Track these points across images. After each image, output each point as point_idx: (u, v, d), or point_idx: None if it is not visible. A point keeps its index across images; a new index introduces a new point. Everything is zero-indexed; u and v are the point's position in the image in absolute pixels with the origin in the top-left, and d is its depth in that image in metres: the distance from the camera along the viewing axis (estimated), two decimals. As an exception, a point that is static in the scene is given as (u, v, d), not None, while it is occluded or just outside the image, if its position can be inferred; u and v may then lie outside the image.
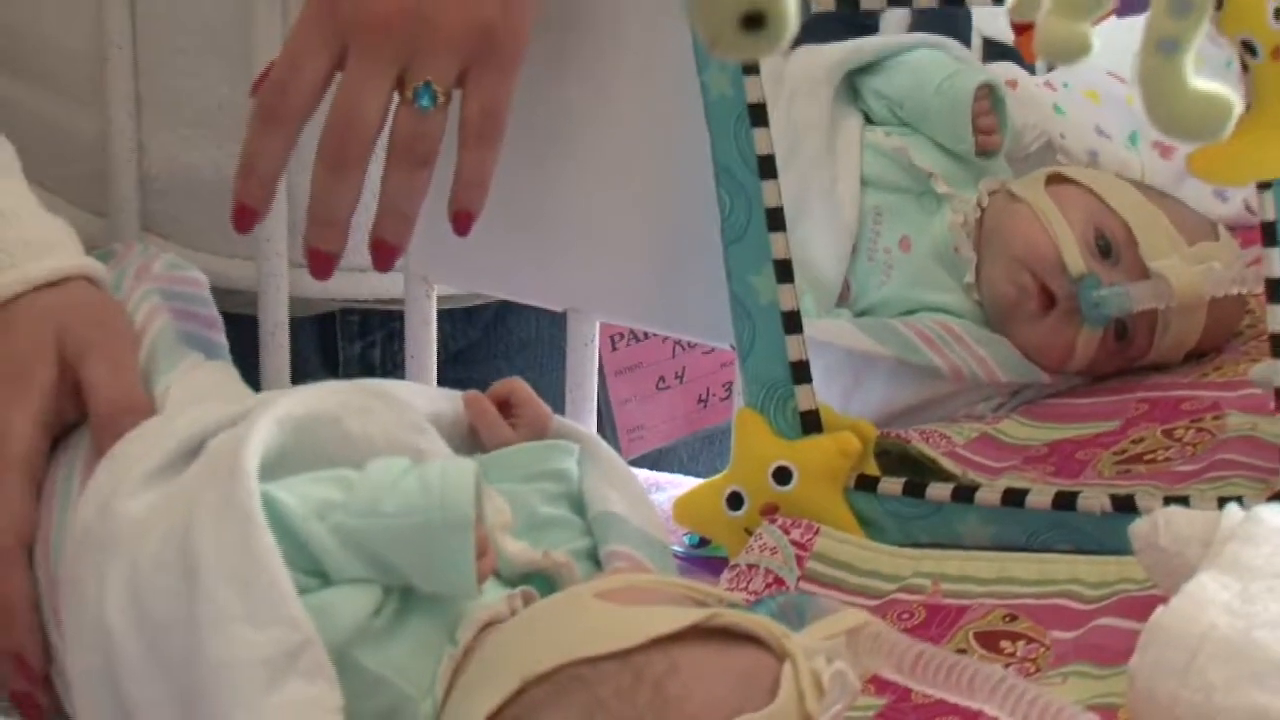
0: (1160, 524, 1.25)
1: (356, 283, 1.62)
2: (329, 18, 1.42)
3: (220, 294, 1.51)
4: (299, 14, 1.43)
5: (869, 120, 1.48)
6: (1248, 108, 1.10)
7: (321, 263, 1.45)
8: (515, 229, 1.56)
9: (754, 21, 1.05)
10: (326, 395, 1.34)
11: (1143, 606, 1.22)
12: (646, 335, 1.67)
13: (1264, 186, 1.32)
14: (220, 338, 1.50)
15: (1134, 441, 1.42)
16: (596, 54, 1.53)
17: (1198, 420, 1.41)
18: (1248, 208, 1.38)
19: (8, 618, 1.36)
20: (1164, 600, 1.16)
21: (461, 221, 1.45)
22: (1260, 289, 1.34)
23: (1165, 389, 1.43)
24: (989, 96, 1.45)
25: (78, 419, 1.41)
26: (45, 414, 1.40)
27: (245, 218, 1.45)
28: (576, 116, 1.55)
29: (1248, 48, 1.18)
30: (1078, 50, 1.09)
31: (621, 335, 1.67)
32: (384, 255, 1.45)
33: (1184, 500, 1.35)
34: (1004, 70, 1.45)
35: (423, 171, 1.43)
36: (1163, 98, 1.04)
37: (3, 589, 1.36)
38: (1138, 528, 1.26)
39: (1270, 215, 1.32)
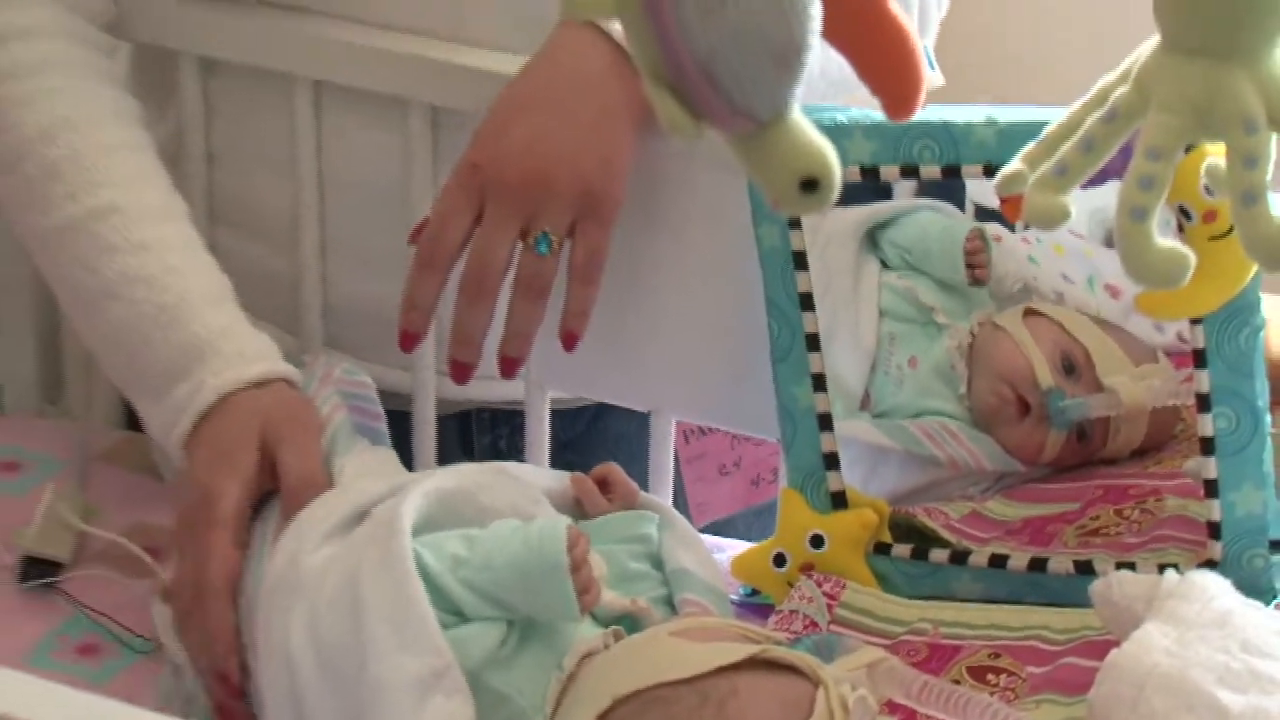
0: (1114, 584, 1.26)
1: (488, 388, 1.58)
2: (471, 184, 1.42)
3: (384, 395, 1.52)
4: (446, 180, 1.44)
5: (885, 265, 1.46)
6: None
7: (461, 372, 1.44)
8: (609, 346, 1.53)
9: (810, 185, 1.04)
10: (464, 474, 1.37)
11: (1100, 649, 1.23)
12: (711, 430, 1.65)
13: (1195, 322, 1.31)
14: (383, 428, 1.50)
15: (1092, 519, 1.40)
16: (674, 208, 1.52)
17: (1142, 503, 1.39)
18: (1180, 337, 1.36)
19: (215, 644, 1.35)
20: (1117, 644, 1.18)
21: (569, 341, 1.44)
22: (1191, 401, 1.34)
23: (1116, 478, 1.41)
24: (979, 237, 1.43)
25: (273, 489, 1.41)
26: (249, 485, 1.41)
27: (408, 341, 1.46)
28: (657, 256, 1.53)
29: (1183, 213, 1.19)
30: (1059, 219, 1.08)
31: (693, 430, 1.66)
32: (509, 367, 1.45)
33: (1132, 566, 1.35)
34: (990, 228, 1.43)
35: (540, 303, 1.42)
36: (1135, 254, 1.03)
37: (212, 621, 1.35)
38: (1096, 586, 1.27)
39: (1200, 344, 1.31)
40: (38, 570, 1.54)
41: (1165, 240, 1.01)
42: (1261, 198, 1.03)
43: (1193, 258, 1.02)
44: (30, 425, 1.77)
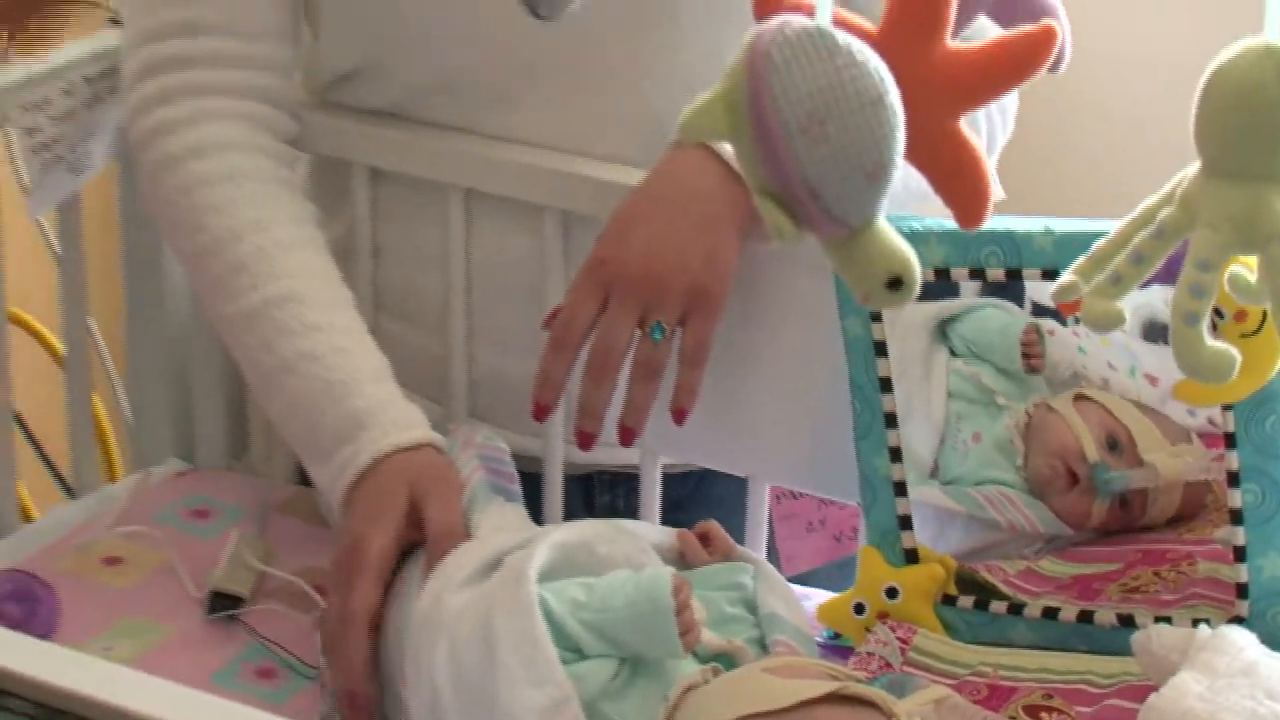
0: (1152, 636, 1.25)
1: (608, 454, 1.57)
2: (597, 279, 1.43)
3: (517, 458, 1.51)
4: (576, 274, 1.45)
5: (953, 353, 1.44)
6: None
7: (585, 440, 1.44)
8: (714, 420, 1.52)
9: (895, 284, 1.04)
10: (584, 529, 1.38)
11: (1141, 693, 1.22)
12: (800, 494, 1.64)
13: (1226, 408, 1.29)
14: (516, 488, 1.49)
15: (1132, 578, 1.38)
16: (771, 301, 1.51)
17: (1177, 565, 1.37)
18: (1210, 421, 1.34)
19: (349, 668, 1.37)
20: (1155, 689, 1.17)
21: (678, 416, 1.43)
22: (1221, 477, 1.32)
23: (1154, 543, 1.38)
24: (1034, 332, 1.41)
25: (419, 540, 1.41)
26: (396, 535, 1.41)
27: (541, 412, 1.46)
28: (756, 343, 1.52)
29: (1217, 312, 1.16)
30: (1116, 323, 1.08)
31: (784, 493, 1.64)
32: (627, 436, 1.44)
33: (1169, 620, 1.32)
34: (1046, 323, 1.41)
35: (654, 383, 1.42)
36: (1190, 354, 1.02)
37: (348, 648, 1.37)
38: (1136, 638, 1.26)
39: (1230, 427, 1.30)
40: (223, 604, 1.54)
41: (1216, 341, 1.01)
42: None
43: (1239, 356, 1.01)
44: (219, 479, 1.77)
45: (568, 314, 1.43)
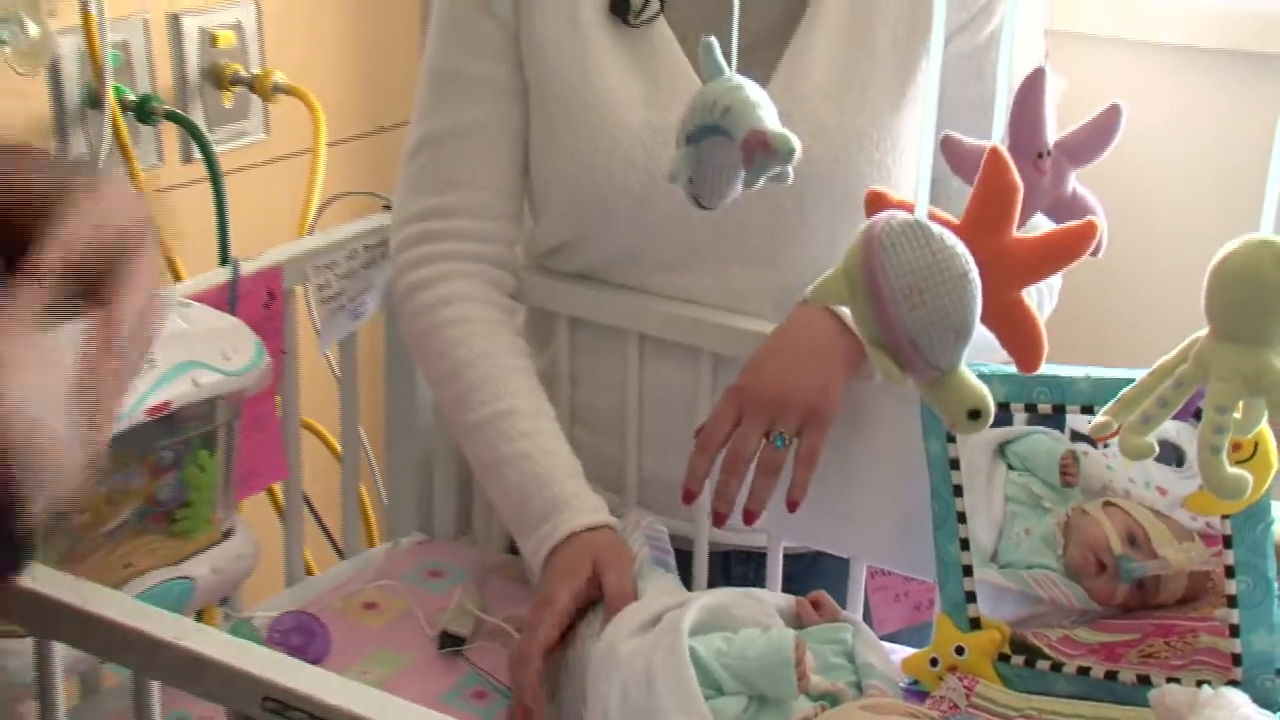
0: (1165, 693, 1.23)
1: (743, 536, 1.58)
2: (736, 401, 1.43)
3: (673, 539, 1.51)
4: (720, 398, 1.46)
5: (1009, 467, 1.39)
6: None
7: (719, 519, 1.43)
8: (823, 513, 1.49)
9: (975, 415, 1.04)
10: (725, 595, 1.38)
11: None
12: (890, 572, 1.60)
13: (1225, 516, 1.27)
14: (672, 562, 1.48)
15: (1148, 646, 1.33)
16: (871, 423, 1.48)
17: (1184, 637, 1.32)
18: (1208, 525, 1.30)
19: (524, 686, 1.36)
20: None
21: (791, 506, 1.42)
22: (1219, 568, 1.29)
23: (1165, 619, 1.33)
24: (1070, 456, 1.36)
25: (598, 599, 1.41)
26: (578, 594, 1.41)
27: (689, 498, 1.45)
28: (857, 455, 1.49)
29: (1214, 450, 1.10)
30: (1147, 454, 1.09)
31: (878, 571, 1.61)
32: (749, 518, 1.43)
33: (1178, 680, 1.28)
34: (1081, 447, 1.36)
35: (773, 479, 1.42)
36: (1215, 477, 1.03)
37: (524, 676, 1.38)
38: (1153, 694, 1.24)
39: (1228, 531, 1.27)
40: (450, 642, 1.54)
41: (1233, 468, 1.00)
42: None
43: (1251, 478, 1.00)
44: (449, 547, 1.77)
45: (711, 426, 1.44)
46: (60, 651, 1.19)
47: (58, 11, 1.86)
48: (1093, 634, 1.34)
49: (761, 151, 1.25)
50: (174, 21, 2.09)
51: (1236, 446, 1.14)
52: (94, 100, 1.97)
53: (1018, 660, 1.36)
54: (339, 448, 1.85)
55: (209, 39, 2.13)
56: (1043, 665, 1.35)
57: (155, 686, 1.14)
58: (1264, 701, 1.25)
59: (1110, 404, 1.10)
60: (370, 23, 2.36)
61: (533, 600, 1.45)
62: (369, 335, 1.80)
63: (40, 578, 1.14)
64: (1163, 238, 1.97)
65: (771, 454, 1.42)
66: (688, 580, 1.54)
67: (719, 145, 1.27)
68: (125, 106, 2.00)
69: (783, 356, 1.43)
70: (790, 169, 1.28)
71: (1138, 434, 1.04)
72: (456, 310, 1.56)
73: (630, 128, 1.50)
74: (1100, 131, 1.23)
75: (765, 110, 1.28)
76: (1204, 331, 1.06)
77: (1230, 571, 1.27)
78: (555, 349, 1.64)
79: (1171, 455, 1.29)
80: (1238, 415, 1.03)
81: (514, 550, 1.62)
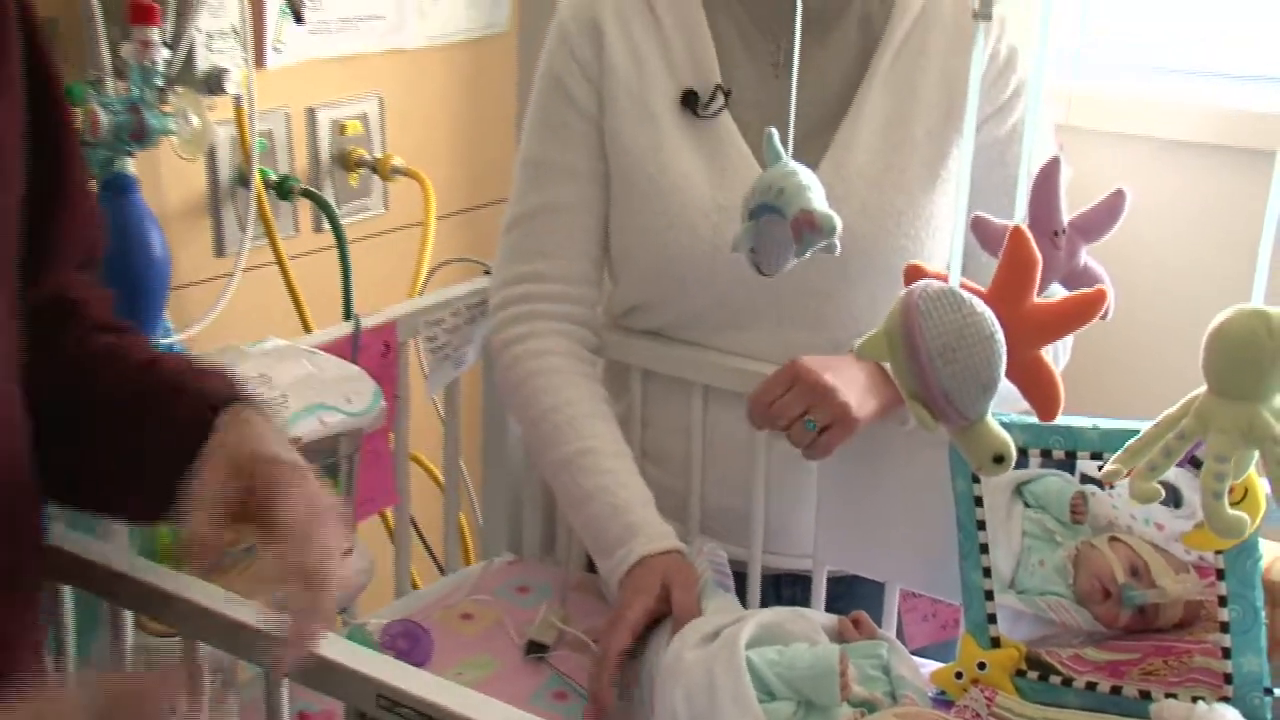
0: (1165, 707, 1.21)
1: (792, 562, 1.57)
2: (790, 375, 1.42)
3: (731, 563, 1.48)
4: (778, 369, 1.45)
5: (1026, 505, 1.36)
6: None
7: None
8: (863, 542, 1.49)
9: (999, 459, 1.03)
10: (777, 613, 1.36)
11: None
12: (920, 595, 1.57)
13: (1219, 552, 1.23)
14: (731, 583, 1.46)
15: (1149, 665, 1.30)
16: (902, 464, 1.46)
17: (1180, 658, 1.28)
18: (1201, 558, 1.26)
19: (600, 684, 1.37)
20: None
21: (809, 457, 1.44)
22: (1212, 597, 1.26)
23: (1163, 641, 1.30)
24: (1080, 497, 1.33)
25: (666, 614, 1.38)
26: (649, 609, 1.39)
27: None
28: (891, 493, 1.47)
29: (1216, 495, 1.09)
30: (1154, 498, 1.07)
31: (910, 594, 1.58)
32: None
33: (1175, 696, 1.25)
34: (1089, 488, 1.33)
35: (798, 448, 1.42)
36: (1217, 519, 1.02)
37: (600, 679, 1.38)
38: (1153, 708, 1.22)
39: (1221, 565, 1.24)
40: (535, 649, 1.52)
41: (1233, 510, 0.97)
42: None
43: (1249, 519, 1.00)
44: (535, 566, 1.75)
45: (764, 387, 1.43)
46: (204, 650, 1.19)
47: (215, 106, 1.88)
48: (1100, 653, 1.31)
49: (809, 229, 1.25)
50: (310, 114, 2.11)
51: (1231, 491, 1.12)
52: (243, 179, 1.99)
53: (1033, 675, 1.33)
54: (442, 478, 1.85)
55: (339, 128, 2.14)
56: (1055, 680, 1.32)
57: (284, 683, 1.13)
58: (1253, 717, 1.22)
59: (1119, 453, 1.09)
60: (473, 115, 2.37)
61: (609, 614, 1.43)
62: (469, 382, 1.79)
63: (191, 587, 1.14)
64: (1161, 306, 1.95)
65: (799, 432, 1.40)
66: (744, 600, 1.52)
67: (775, 222, 1.27)
68: (268, 185, 2.02)
69: (838, 365, 1.41)
70: (837, 242, 1.27)
71: (1146, 480, 1.03)
72: (545, 363, 1.55)
73: (698, 206, 1.49)
74: (1108, 212, 1.23)
75: (814, 192, 1.27)
76: (1202, 389, 1.04)
77: (1223, 601, 1.24)
78: (630, 397, 1.62)
79: (1170, 497, 1.26)
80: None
81: (592, 569, 1.59)
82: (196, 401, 1.10)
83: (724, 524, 1.57)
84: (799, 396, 1.40)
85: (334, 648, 1.09)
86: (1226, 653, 1.25)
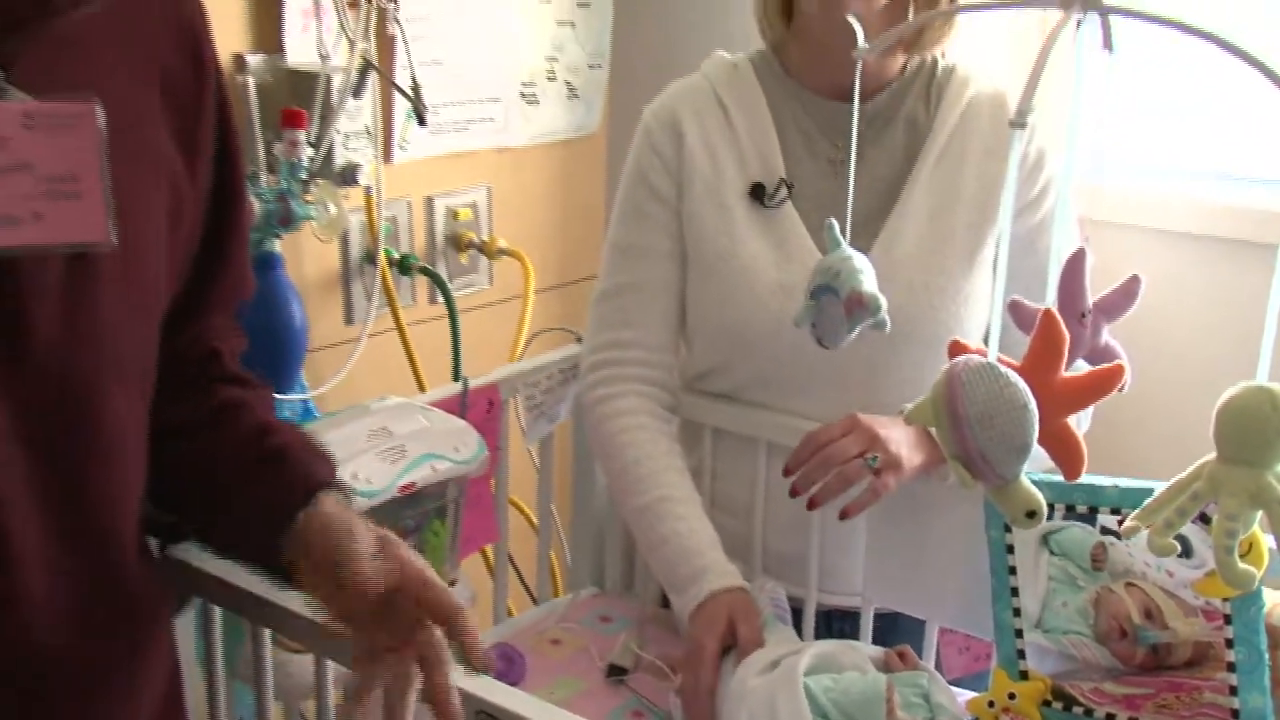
0: None
1: (843, 600, 1.56)
2: (850, 424, 1.40)
3: (789, 600, 1.48)
4: (840, 420, 1.41)
5: (1051, 553, 1.33)
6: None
7: (812, 503, 1.41)
8: (906, 583, 1.46)
9: (1031, 515, 1.01)
10: (830, 645, 1.34)
11: None
12: (956, 631, 1.54)
13: (1226, 600, 1.20)
14: (789, 617, 1.44)
15: (1161, 700, 1.27)
16: (943, 514, 1.43)
17: (1190, 694, 1.25)
18: (1208, 603, 1.23)
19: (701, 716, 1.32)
20: None
21: (843, 516, 1.39)
22: (1219, 639, 1.23)
23: (1175, 678, 1.27)
24: (1100, 548, 1.30)
25: (731, 646, 1.35)
26: (721, 640, 1.36)
27: (812, 505, 1.40)
28: (931, 541, 1.44)
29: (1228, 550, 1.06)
30: (1171, 552, 1.05)
31: (948, 630, 1.54)
32: (811, 506, 1.40)
33: None
34: (1109, 539, 1.30)
35: (845, 486, 1.37)
36: (1228, 571, 1.00)
37: (697, 710, 1.34)
38: None
39: (1228, 611, 1.21)
40: (616, 673, 1.51)
41: (1243, 564, 0.94)
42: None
43: (1257, 572, 0.98)
44: (616, 599, 1.74)
45: (823, 430, 1.40)
46: (330, 665, 1.21)
47: (349, 195, 1.91)
48: (1117, 687, 1.28)
49: (858, 307, 1.25)
50: (429, 202, 2.14)
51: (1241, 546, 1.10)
52: (370, 258, 2.02)
53: (1058, 706, 1.30)
54: (536, 520, 1.86)
55: (453, 214, 2.17)
56: (1078, 710, 1.29)
57: (409, 694, 1.12)
58: (1256, 750, 1.20)
59: (1138, 511, 1.07)
60: (567, 203, 2.39)
61: (683, 644, 1.42)
62: (561, 435, 1.80)
63: (320, 614, 1.14)
64: (1172, 380, 1.93)
65: (858, 468, 1.37)
66: (800, 632, 1.51)
67: (832, 302, 1.27)
68: (392, 263, 2.05)
69: (889, 423, 1.39)
70: (886, 319, 1.27)
71: (1163, 536, 1.01)
72: (628, 420, 1.55)
73: (765, 285, 1.49)
74: (1125, 295, 1.21)
75: (865, 276, 1.27)
76: (1211, 456, 1.03)
77: (1230, 643, 1.21)
78: (702, 451, 1.61)
79: (1181, 548, 1.24)
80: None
81: (666, 604, 1.58)
82: (301, 478, 1.08)
83: (783, 565, 1.56)
84: (857, 440, 1.38)
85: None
86: (1233, 690, 1.21)
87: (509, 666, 1.49)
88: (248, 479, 1.09)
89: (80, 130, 0.87)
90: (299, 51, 1.84)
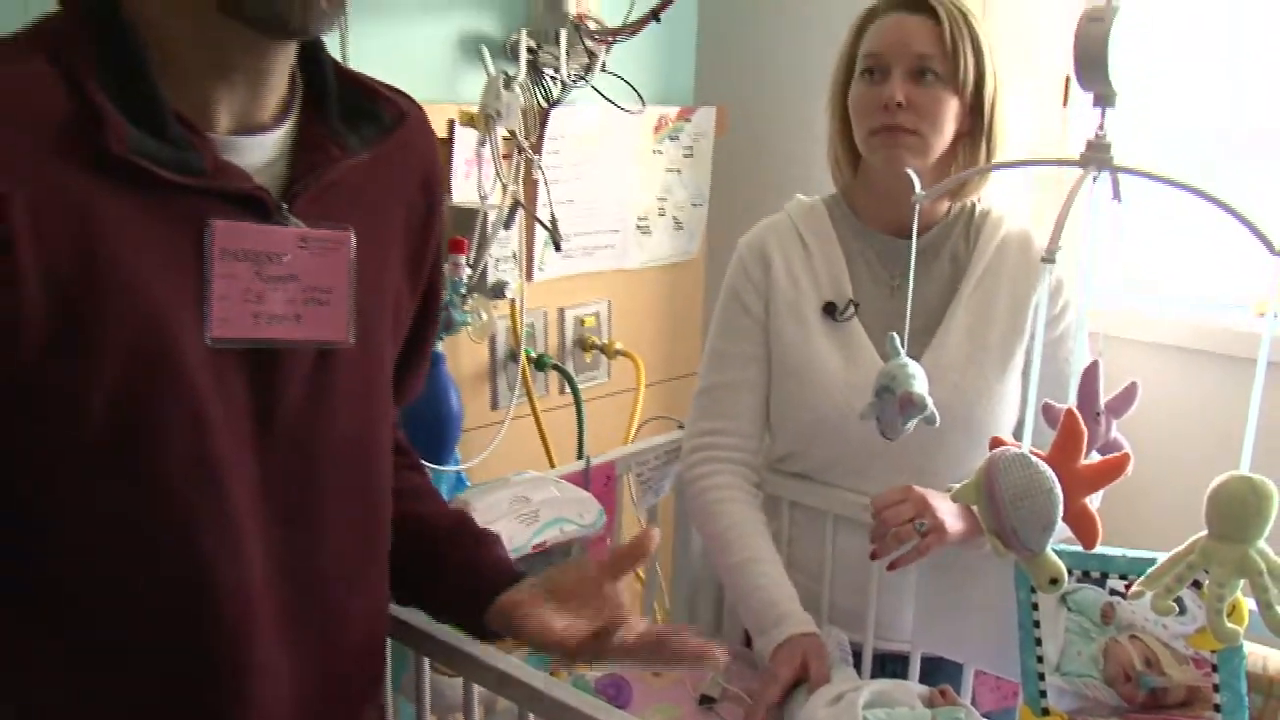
0: None
1: (895, 645, 1.53)
2: (905, 493, 1.36)
3: (851, 644, 1.46)
4: (897, 488, 1.37)
5: (1069, 609, 1.33)
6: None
7: (874, 555, 1.39)
8: (946, 634, 1.44)
9: (1055, 582, 1.00)
10: (885, 683, 1.32)
11: None
12: (988, 673, 1.51)
13: (1214, 651, 1.20)
14: (850, 659, 1.43)
15: (1161, 734, 1.26)
16: (980, 575, 1.42)
17: (1185, 730, 1.25)
18: (1197, 653, 1.23)
19: None
20: None
21: (891, 568, 1.38)
22: (1209, 684, 1.22)
23: (1171, 716, 1.26)
24: (1110, 606, 1.31)
25: (803, 680, 1.34)
26: (795, 673, 1.35)
27: (874, 556, 1.38)
28: (969, 600, 1.44)
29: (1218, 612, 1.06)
30: (1171, 613, 1.03)
31: (980, 672, 1.51)
32: (873, 556, 1.37)
33: None
34: (1116, 599, 1.31)
35: (897, 545, 1.35)
36: (1219, 629, 0.98)
37: (753, 713, 1.31)
38: None
39: (1214, 660, 1.21)
40: (706, 701, 1.50)
41: (1230, 622, 0.94)
42: (1275, 604, 0.98)
43: (1242, 630, 0.97)
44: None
45: (883, 496, 1.37)
46: (475, 687, 1.22)
47: (498, 306, 1.96)
48: (1123, 723, 1.28)
49: (909, 405, 1.27)
50: (561, 312, 2.18)
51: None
52: (513, 356, 2.06)
53: (1074, 737, 1.31)
54: (643, 575, 1.86)
55: (580, 322, 2.21)
56: (1091, 742, 1.30)
57: (530, 716, 1.14)
58: (1241, 778, 1.19)
59: (1142, 579, 1.06)
60: (672, 314, 2.42)
61: (762, 677, 1.42)
62: (665, 505, 1.81)
63: (468, 643, 1.17)
64: (1166, 468, 1.91)
65: (909, 531, 1.34)
66: (860, 672, 1.51)
67: (889, 401, 1.29)
68: (530, 360, 2.08)
69: (937, 496, 1.38)
70: (935, 413, 1.28)
71: (1164, 600, 1.01)
72: (722, 494, 1.55)
73: (835, 385, 1.51)
74: (1126, 398, 1.22)
75: (918, 379, 1.29)
76: (1203, 533, 1.03)
77: (1216, 687, 1.21)
78: (781, 520, 1.62)
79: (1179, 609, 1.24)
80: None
81: (747, 644, 1.58)
82: (496, 560, 1.11)
83: (846, 616, 1.56)
84: (910, 506, 1.37)
85: (564, 691, 1.10)
86: (1220, 727, 1.22)
87: (618, 693, 1.49)
88: (453, 546, 1.11)
89: (337, 252, 0.91)
90: (463, 192, 1.90)
